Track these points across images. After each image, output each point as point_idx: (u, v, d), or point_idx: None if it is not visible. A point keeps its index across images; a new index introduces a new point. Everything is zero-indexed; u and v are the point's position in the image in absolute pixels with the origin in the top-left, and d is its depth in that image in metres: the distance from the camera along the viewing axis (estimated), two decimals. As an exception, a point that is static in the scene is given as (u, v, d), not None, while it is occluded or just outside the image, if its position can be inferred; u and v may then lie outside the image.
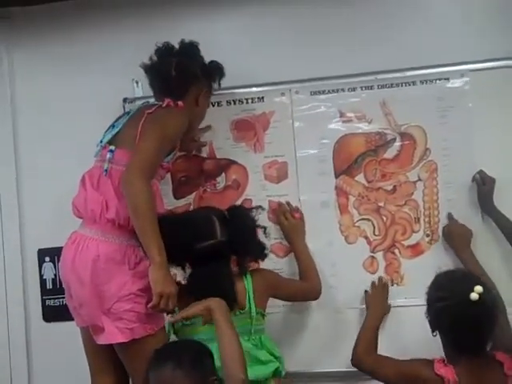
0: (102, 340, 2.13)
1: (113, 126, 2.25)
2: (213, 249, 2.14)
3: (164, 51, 2.31)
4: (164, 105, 2.21)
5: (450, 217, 2.46)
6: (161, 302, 1.98)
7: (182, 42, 2.32)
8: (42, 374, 2.69)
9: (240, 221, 2.23)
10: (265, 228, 2.31)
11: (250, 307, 2.18)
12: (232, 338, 1.91)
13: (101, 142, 2.23)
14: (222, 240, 2.16)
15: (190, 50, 2.32)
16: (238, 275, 2.23)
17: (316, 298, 2.41)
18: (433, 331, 1.96)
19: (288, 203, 2.53)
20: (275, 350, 2.21)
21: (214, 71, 2.36)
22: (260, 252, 2.26)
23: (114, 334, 2.08)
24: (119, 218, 2.12)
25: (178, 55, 2.29)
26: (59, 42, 2.71)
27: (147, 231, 2.03)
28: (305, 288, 2.42)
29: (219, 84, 2.39)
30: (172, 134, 2.19)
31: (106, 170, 2.14)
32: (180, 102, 2.24)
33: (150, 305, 2.00)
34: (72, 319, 2.26)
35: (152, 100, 2.37)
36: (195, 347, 1.96)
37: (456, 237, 2.42)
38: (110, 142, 2.20)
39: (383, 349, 2.26)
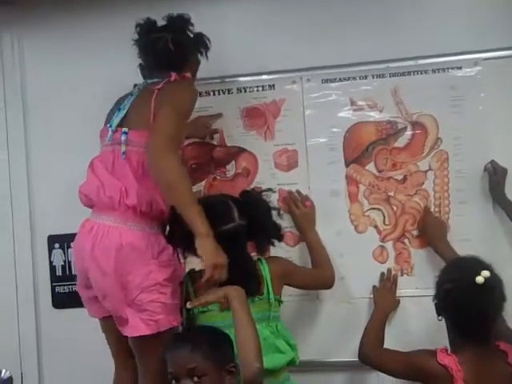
0: (126, 332, 2.08)
1: (118, 109, 2.19)
2: (233, 233, 2.13)
3: (150, 28, 2.25)
4: (172, 79, 2.18)
5: (425, 209, 2.46)
6: (215, 273, 1.96)
7: (171, 17, 2.27)
8: (51, 360, 2.70)
9: (255, 204, 2.23)
10: (278, 210, 2.32)
11: (269, 293, 2.18)
12: (249, 326, 1.90)
13: (110, 126, 2.16)
14: (242, 223, 2.16)
15: (180, 23, 2.27)
16: (256, 263, 2.23)
17: (330, 286, 2.40)
18: (438, 315, 1.98)
19: (298, 192, 2.53)
20: (291, 338, 2.21)
21: (202, 43, 2.31)
22: (277, 233, 2.26)
23: (138, 327, 2.03)
24: (141, 204, 2.07)
25: (170, 30, 2.23)
26: (68, 28, 2.70)
27: (187, 204, 1.99)
28: (319, 276, 2.42)
29: (206, 56, 2.33)
30: (186, 106, 2.16)
31: (124, 153, 2.09)
32: (187, 74, 2.24)
33: (204, 278, 1.96)
34: (81, 306, 2.25)
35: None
36: (215, 332, 1.96)
37: (430, 229, 2.42)
38: (120, 126, 2.15)
39: (393, 339, 2.26)
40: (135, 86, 2.29)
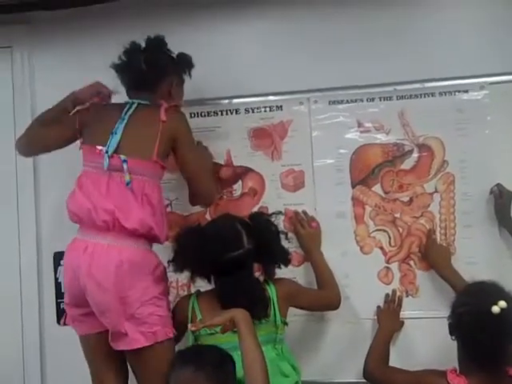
0: (122, 346, 2.13)
1: (112, 132, 2.19)
2: (241, 258, 2.15)
3: (131, 50, 2.31)
4: (165, 107, 2.23)
5: (428, 235, 2.47)
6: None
7: (148, 38, 2.32)
8: (55, 376, 2.70)
9: (264, 228, 2.24)
10: (286, 234, 2.33)
11: (275, 315, 2.18)
12: (256, 349, 1.91)
13: (106, 152, 2.17)
14: (250, 248, 2.16)
15: (156, 44, 2.32)
16: (262, 284, 2.24)
17: (336, 307, 2.40)
18: (451, 334, 1.98)
19: (304, 212, 2.54)
20: (294, 361, 2.21)
21: (182, 62, 2.36)
22: (285, 257, 2.27)
23: (137, 340, 2.09)
24: (143, 227, 2.13)
25: (145, 51, 2.30)
26: (78, 46, 2.73)
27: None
28: (325, 297, 2.41)
29: (189, 74, 2.38)
30: (191, 133, 2.33)
31: (128, 183, 2.13)
32: (180, 102, 2.33)
33: (209, 322, 2.00)
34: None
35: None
36: (218, 352, 1.98)
37: (434, 256, 2.43)
38: (115, 151, 2.17)
39: (396, 360, 2.26)
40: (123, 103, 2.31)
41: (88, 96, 2.35)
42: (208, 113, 2.62)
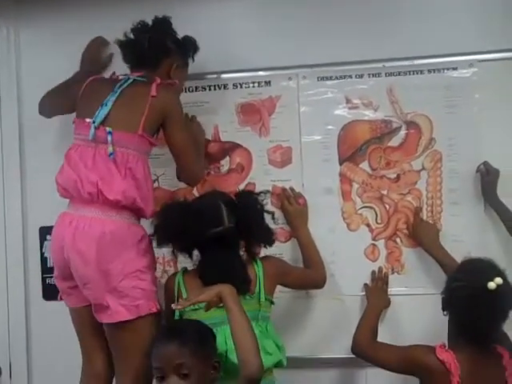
0: (104, 319, 2.14)
1: (102, 104, 2.20)
2: (221, 235, 2.15)
3: (139, 28, 2.33)
4: (158, 82, 2.23)
5: (415, 213, 2.47)
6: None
7: (156, 18, 2.34)
8: (40, 351, 2.70)
9: (248, 206, 2.23)
10: (273, 213, 2.32)
11: (260, 293, 2.19)
12: (245, 324, 1.90)
13: (93, 122, 2.18)
14: (230, 226, 2.16)
15: (162, 24, 2.34)
16: (249, 261, 2.24)
17: (321, 286, 2.41)
18: (443, 309, 1.99)
19: (292, 189, 2.53)
20: (279, 340, 2.21)
21: (187, 45, 2.37)
22: (268, 237, 2.26)
23: (119, 313, 2.09)
24: (126, 199, 2.14)
25: (151, 31, 2.32)
26: (63, 21, 2.69)
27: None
28: (312, 276, 2.42)
29: (193, 58, 2.41)
30: (182, 112, 2.34)
31: (111, 154, 2.13)
32: (176, 81, 2.33)
33: (195, 299, 2.00)
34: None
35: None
36: (201, 328, 1.98)
37: (422, 234, 2.43)
38: (102, 123, 2.18)
39: (383, 337, 2.26)
40: (113, 73, 2.37)
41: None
42: (196, 88, 2.60)
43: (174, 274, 2.30)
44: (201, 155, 2.46)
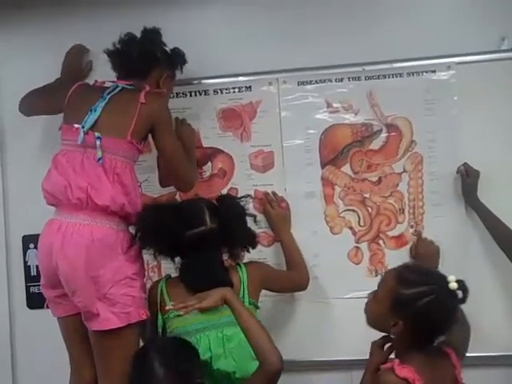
0: (94, 326, 2.12)
1: (91, 110, 2.20)
2: (203, 237, 2.14)
3: (127, 40, 2.34)
4: (147, 89, 2.24)
5: (418, 234, 2.47)
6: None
7: (145, 29, 2.35)
8: (25, 360, 2.69)
9: (230, 209, 2.24)
10: (255, 216, 2.33)
11: (244, 297, 2.19)
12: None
13: (82, 127, 2.18)
14: (212, 227, 2.16)
15: (152, 34, 2.35)
16: (233, 267, 2.25)
17: (305, 288, 2.42)
18: (397, 332, 1.86)
19: (274, 193, 2.54)
20: None
21: (175, 57, 2.38)
22: (250, 240, 2.27)
23: (110, 320, 2.08)
24: (114, 204, 2.13)
25: (140, 40, 2.33)
26: (42, 28, 2.69)
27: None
28: (295, 279, 2.43)
29: (181, 70, 2.42)
30: (171, 119, 2.37)
31: (100, 159, 2.13)
32: (164, 90, 2.32)
33: (186, 304, 1.97)
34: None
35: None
36: (183, 347, 1.94)
37: (424, 258, 2.41)
38: (91, 128, 2.18)
39: (365, 336, 2.25)
40: (96, 81, 2.36)
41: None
42: (177, 94, 2.59)
43: (158, 282, 2.29)
44: (192, 159, 2.45)
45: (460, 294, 1.81)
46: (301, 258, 2.45)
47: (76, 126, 2.19)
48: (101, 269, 2.08)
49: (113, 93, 2.25)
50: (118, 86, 2.28)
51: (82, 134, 2.17)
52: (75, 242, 2.09)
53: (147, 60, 2.32)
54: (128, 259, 2.14)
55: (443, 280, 1.82)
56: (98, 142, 2.14)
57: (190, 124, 2.56)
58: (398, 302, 1.84)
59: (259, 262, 2.37)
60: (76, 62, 2.62)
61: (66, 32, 2.65)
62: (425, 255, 2.41)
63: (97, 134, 2.16)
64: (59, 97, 2.34)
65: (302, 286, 2.43)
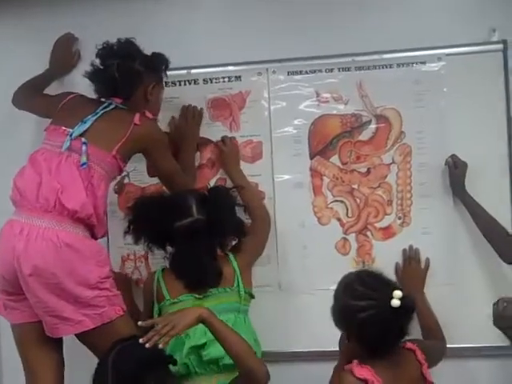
0: (66, 331, 2.09)
1: (83, 121, 2.18)
2: (191, 227, 2.16)
3: (105, 54, 2.28)
4: (141, 112, 2.25)
5: (404, 255, 2.46)
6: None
7: (119, 42, 2.29)
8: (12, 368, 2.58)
9: (219, 200, 2.26)
10: (245, 206, 2.34)
11: (239, 285, 2.22)
12: (238, 338, 1.92)
13: (70, 135, 2.15)
14: (201, 218, 2.17)
15: (128, 48, 2.29)
16: (224, 257, 2.27)
17: (269, 225, 2.45)
18: (349, 338, 1.89)
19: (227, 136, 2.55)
20: (255, 333, 2.24)
21: (159, 63, 2.35)
22: (240, 229, 2.28)
23: (82, 322, 2.05)
24: (82, 211, 2.09)
25: (117, 56, 2.26)
26: (29, 17, 2.66)
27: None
28: (259, 226, 2.43)
29: (166, 74, 2.38)
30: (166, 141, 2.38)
31: (84, 164, 2.11)
32: (149, 114, 2.30)
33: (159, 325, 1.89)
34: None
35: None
36: (159, 367, 1.84)
37: (408, 280, 2.39)
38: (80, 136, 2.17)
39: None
40: (100, 98, 2.31)
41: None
42: (166, 83, 2.55)
43: (153, 273, 2.33)
44: (190, 167, 2.48)
45: (401, 310, 1.78)
46: (256, 194, 2.48)
47: (64, 128, 2.18)
48: (70, 274, 2.03)
49: (106, 109, 2.24)
50: (111, 104, 2.26)
51: (68, 142, 2.14)
52: (41, 247, 2.03)
53: (129, 80, 2.27)
54: (97, 264, 2.10)
55: (387, 296, 1.79)
56: (83, 148, 2.12)
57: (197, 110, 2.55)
58: (342, 312, 1.88)
59: (241, 244, 2.36)
60: (65, 52, 2.60)
61: (53, 22, 2.62)
62: (410, 280, 2.40)
63: (83, 139, 2.14)
64: (53, 104, 2.32)
65: (268, 228, 2.45)
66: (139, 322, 1.99)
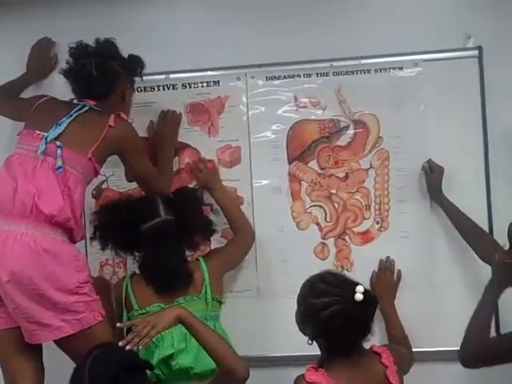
0: (45, 338, 2.07)
1: (57, 124, 2.17)
2: (158, 229, 2.15)
3: (79, 52, 2.26)
4: (116, 114, 2.24)
5: (380, 265, 2.48)
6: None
7: (98, 41, 2.28)
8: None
9: (185, 200, 2.25)
10: (211, 205, 2.34)
11: (206, 292, 2.20)
12: (217, 336, 1.93)
13: (46, 138, 2.13)
14: (167, 218, 2.16)
15: (107, 47, 2.28)
16: (194, 262, 2.26)
17: (251, 244, 2.45)
18: (313, 339, 1.89)
19: (200, 159, 2.54)
20: (228, 338, 2.22)
21: (135, 65, 2.33)
22: (207, 228, 2.27)
23: (61, 329, 2.03)
24: (61, 216, 2.07)
25: (95, 55, 2.24)
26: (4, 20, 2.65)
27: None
28: (241, 242, 2.45)
29: (141, 76, 2.37)
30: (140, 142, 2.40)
31: (60, 167, 2.09)
32: (124, 116, 2.29)
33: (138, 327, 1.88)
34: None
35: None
36: (136, 372, 1.81)
37: (380, 290, 2.40)
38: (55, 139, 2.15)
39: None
40: (72, 100, 2.29)
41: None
42: (145, 88, 2.58)
43: (122, 279, 2.31)
44: (167, 169, 2.48)
45: (364, 304, 1.79)
46: (239, 212, 2.47)
47: (38, 132, 2.16)
48: (49, 279, 2.01)
49: (80, 111, 2.22)
50: (85, 105, 2.24)
51: (43, 146, 2.12)
52: (18, 253, 2.01)
53: (107, 80, 2.25)
54: (76, 268, 2.08)
55: (349, 291, 1.80)
56: (58, 151, 2.11)
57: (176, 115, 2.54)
58: (306, 312, 1.89)
59: (214, 250, 2.38)
60: (42, 56, 2.59)
61: (30, 26, 2.61)
62: (382, 289, 2.40)
63: (58, 142, 2.12)
64: (25, 108, 2.31)
65: (250, 244, 2.45)
66: (118, 324, 1.98)
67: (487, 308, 2.03)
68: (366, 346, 1.92)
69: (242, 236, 2.44)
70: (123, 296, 2.23)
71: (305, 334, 1.91)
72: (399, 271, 2.46)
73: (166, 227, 2.16)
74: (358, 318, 1.81)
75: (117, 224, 2.16)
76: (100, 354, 1.80)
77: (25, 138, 2.20)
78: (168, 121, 2.54)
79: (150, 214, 2.17)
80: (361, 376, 1.86)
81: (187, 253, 2.30)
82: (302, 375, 1.85)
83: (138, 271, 2.30)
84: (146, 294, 2.19)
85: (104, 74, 2.23)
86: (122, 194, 2.54)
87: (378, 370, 1.88)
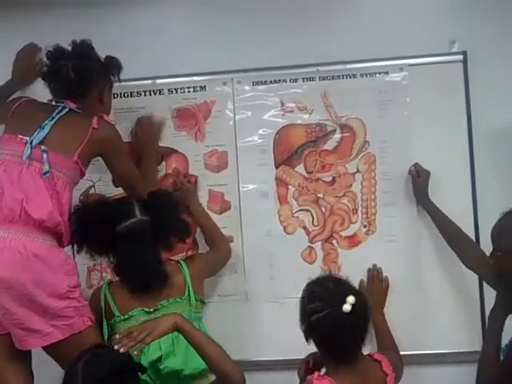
0: (33, 344, 2.06)
1: (40, 127, 2.15)
2: (133, 229, 2.14)
3: (56, 55, 2.26)
4: (99, 116, 2.23)
5: (368, 273, 2.48)
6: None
7: (75, 43, 2.27)
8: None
9: (160, 201, 2.25)
10: (188, 207, 2.34)
11: (189, 294, 2.21)
12: (211, 341, 1.93)
13: (31, 142, 2.12)
14: (142, 219, 2.16)
15: (84, 49, 2.27)
16: (175, 265, 2.27)
17: (229, 255, 2.48)
18: (308, 340, 1.89)
19: (185, 174, 2.55)
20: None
21: (112, 66, 2.33)
22: (183, 229, 2.28)
23: (51, 334, 2.03)
24: (50, 220, 2.07)
25: (72, 57, 2.23)
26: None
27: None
28: (218, 255, 2.47)
29: (119, 78, 2.36)
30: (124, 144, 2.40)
31: (47, 172, 2.08)
32: (108, 118, 2.29)
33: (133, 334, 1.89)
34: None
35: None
36: (129, 375, 1.81)
37: (372, 298, 2.33)
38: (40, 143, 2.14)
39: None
40: (51, 101, 2.28)
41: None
42: (131, 93, 2.58)
43: (100, 287, 2.30)
44: (150, 172, 2.48)
45: (353, 315, 1.78)
46: (216, 228, 2.49)
47: (20, 136, 2.13)
48: (39, 284, 2.00)
49: (61, 113, 2.20)
50: (65, 107, 2.23)
51: (29, 150, 2.11)
52: (8, 259, 1.99)
53: (85, 81, 2.24)
54: (66, 273, 2.08)
55: (339, 300, 1.79)
56: (44, 156, 2.09)
57: (153, 119, 2.54)
58: (301, 314, 1.88)
59: (195, 254, 2.41)
60: (27, 62, 2.57)
61: (16, 32, 2.61)
62: (372, 297, 2.38)
63: (43, 147, 2.11)
64: (3, 111, 2.29)
65: (227, 257, 2.48)
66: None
67: (494, 329, 2.08)
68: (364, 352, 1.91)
69: (220, 251, 2.47)
70: (103, 305, 2.22)
71: (304, 337, 1.91)
72: (386, 278, 2.47)
73: (141, 228, 2.15)
74: (346, 328, 1.79)
75: (92, 225, 2.13)
76: (93, 355, 1.79)
77: (6, 143, 2.17)
78: (144, 126, 2.54)
79: (125, 214, 2.15)
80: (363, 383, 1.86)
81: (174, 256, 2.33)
82: (309, 382, 1.83)
83: (114, 279, 2.29)
84: (126, 300, 2.18)
85: (80, 74, 2.22)
86: (100, 196, 2.53)
87: (379, 378, 1.89)
